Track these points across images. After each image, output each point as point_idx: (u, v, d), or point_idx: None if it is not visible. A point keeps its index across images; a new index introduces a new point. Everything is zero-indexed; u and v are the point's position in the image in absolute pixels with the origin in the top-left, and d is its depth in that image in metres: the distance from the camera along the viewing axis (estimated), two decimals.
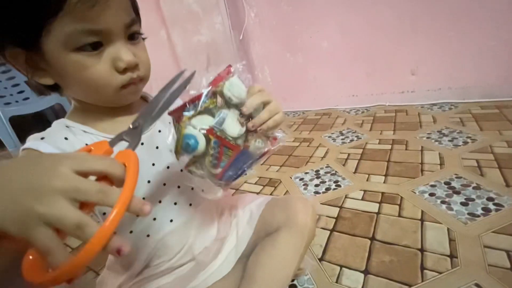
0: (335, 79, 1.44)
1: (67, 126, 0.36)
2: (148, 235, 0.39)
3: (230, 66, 0.35)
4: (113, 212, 0.20)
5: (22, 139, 2.78)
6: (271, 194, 0.82)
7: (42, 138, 0.33)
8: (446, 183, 0.70)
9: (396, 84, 1.31)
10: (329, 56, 1.40)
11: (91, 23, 0.29)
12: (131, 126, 0.28)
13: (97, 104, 0.36)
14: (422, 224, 0.59)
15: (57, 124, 0.37)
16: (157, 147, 0.40)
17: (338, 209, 0.69)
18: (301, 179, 0.86)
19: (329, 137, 1.14)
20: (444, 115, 1.11)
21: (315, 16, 1.35)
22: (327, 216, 0.67)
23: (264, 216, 0.47)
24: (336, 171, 0.86)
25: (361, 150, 0.96)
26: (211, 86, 0.31)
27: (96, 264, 0.70)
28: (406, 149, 0.91)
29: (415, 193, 0.69)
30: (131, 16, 0.33)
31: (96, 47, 0.30)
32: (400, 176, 0.78)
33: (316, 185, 0.81)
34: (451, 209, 0.61)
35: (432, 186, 0.70)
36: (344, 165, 0.89)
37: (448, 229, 0.56)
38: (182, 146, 0.30)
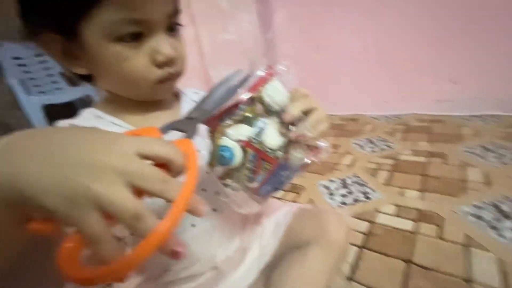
0: (365, 83, 1.37)
1: (97, 117, 0.34)
2: None
3: (270, 67, 0.31)
4: (176, 206, 0.17)
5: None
6: (294, 201, 0.78)
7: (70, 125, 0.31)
8: (494, 205, 0.62)
9: (432, 91, 1.22)
10: (360, 59, 1.33)
11: (135, 12, 0.27)
12: (185, 116, 0.27)
13: (129, 97, 0.34)
14: (466, 250, 0.52)
15: (87, 113, 0.35)
16: None
17: (368, 223, 0.63)
18: (326, 187, 0.81)
19: (357, 144, 1.07)
20: (487, 128, 1.01)
21: (347, 18, 1.29)
22: (355, 231, 0.62)
23: (292, 227, 0.44)
24: (365, 182, 0.81)
25: (393, 161, 0.90)
26: (249, 92, 0.28)
27: None
28: (444, 163, 0.84)
29: (456, 213, 0.62)
30: (173, 5, 0.31)
31: (137, 37, 0.29)
32: (438, 192, 0.71)
33: (343, 195, 0.76)
34: (502, 236, 0.54)
35: (477, 207, 0.63)
36: (374, 175, 0.83)
37: (499, 259, 0.49)
38: (216, 158, 0.27)
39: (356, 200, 0.73)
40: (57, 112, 3.46)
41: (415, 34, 1.16)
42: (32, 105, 2.71)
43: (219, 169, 0.29)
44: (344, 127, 1.29)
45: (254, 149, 0.27)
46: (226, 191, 0.30)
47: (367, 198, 0.73)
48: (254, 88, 0.28)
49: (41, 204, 0.15)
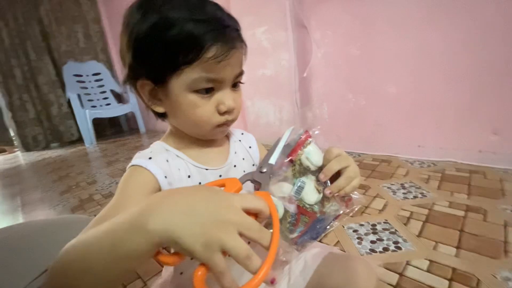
0: (399, 126, 1.37)
1: (166, 150, 0.41)
2: None
3: (307, 131, 0.37)
4: (272, 249, 0.24)
5: (98, 138, 3.20)
6: (320, 241, 0.78)
7: (150, 158, 0.37)
8: None
9: (473, 141, 1.18)
10: (395, 102, 1.34)
11: (213, 73, 0.34)
12: (258, 170, 0.33)
13: (191, 134, 0.41)
14: None
15: (158, 146, 0.42)
16: None
17: (397, 276, 0.62)
18: (355, 231, 0.81)
19: (389, 188, 1.06)
20: None
21: (385, 62, 1.32)
22: (384, 282, 0.61)
23: (320, 271, 0.45)
24: (396, 230, 0.79)
25: (427, 210, 0.87)
26: (290, 155, 0.33)
27: (144, 273, 0.74)
28: (484, 220, 0.79)
29: (496, 278, 0.59)
30: (240, 69, 0.38)
31: (209, 91, 0.36)
32: (476, 252, 0.67)
33: (372, 242, 0.75)
34: None
35: None
36: (405, 224, 0.81)
37: None
38: None
39: (385, 249, 0.71)
40: (104, 125, 3.76)
41: (457, 81, 1.15)
42: (85, 117, 3.02)
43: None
44: (375, 168, 1.28)
45: (295, 206, 0.31)
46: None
47: (398, 248, 0.71)
48: (294, 152, 0.33)
49: (186, 247, 0.22)
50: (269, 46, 1.68)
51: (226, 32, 0.34)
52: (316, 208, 0.33)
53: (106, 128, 3.55)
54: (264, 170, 0.32)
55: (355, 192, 0.37)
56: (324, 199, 0.34)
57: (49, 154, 2.87)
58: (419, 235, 0.76)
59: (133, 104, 3.20)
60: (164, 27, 0.32)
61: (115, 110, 3.22)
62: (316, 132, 0.37)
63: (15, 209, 1.43)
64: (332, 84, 1.56)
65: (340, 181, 0.34)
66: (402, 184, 1.08)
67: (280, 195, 0.31)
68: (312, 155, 0.34)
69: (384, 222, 0.83)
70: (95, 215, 0.31)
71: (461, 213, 0.84)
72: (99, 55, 3.54)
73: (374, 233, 0.79)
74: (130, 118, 3.74)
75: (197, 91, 0.35)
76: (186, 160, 0.40)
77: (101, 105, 3.28)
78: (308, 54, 1.59)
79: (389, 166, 1.28)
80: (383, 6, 1.27)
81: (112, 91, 3.42)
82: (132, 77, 0.37)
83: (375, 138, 1.46)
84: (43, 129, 3.25)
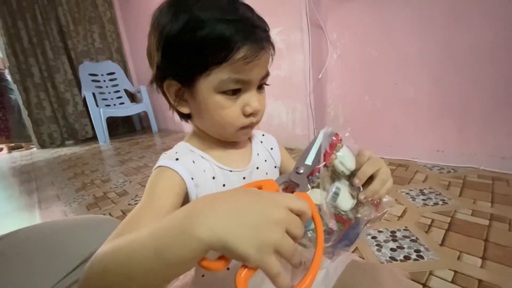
0: (418, 130, 1.33)
1: (191, 151, 0.40)
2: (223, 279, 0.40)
3: (337, 134, 0.35)
4: (318, 249, 0.25)
5: (111, 136, 3.26)
6: None
7: (177, 159, 0.37)
8: None
9: (495, 147, 1.14)
10: (415, 105, 1.31)
11: (242, 74, 0.34)
12: (296, 171, 0.32)
13: (215, 136, 0.41)
14: None
15: (182, 146, 0.41)
16: None
17: (421, 286, 0.60)
18: (374, 238, 0.79)
19: (407, 194, 1.03)
20: None
21: (405, 64, 1.29)
22: None
23: (343, 280, 0.43)
24: (417, 238, 0.76)
25: (449, 218, 0.84)
26: (324, 161, 0.32)
27: None
28: (509, 230, 0.76)
29: None
30: (266, 70, 0.38)
31: (236, 92, 0.35)
32: (502, 263, 0.64)
33: (392, 249, 0.73)
34: None
35: None
36: (427, 232, 0.79)
37: None
38: None
39: (406, 257, 0.69)
40: (117, 123, 3.83)
41: (480, 86, 1.11)
42: (99, 115, 3.08)
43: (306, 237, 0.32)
44: (392, 173, 1.23)
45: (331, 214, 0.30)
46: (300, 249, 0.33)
47: (420, 257, 0.69)
48: (328, 157, 0.32)
49: (239, 252, 0.21)
50: (284, 47, 1.66)
51: (256, 32, 0.34)
52: (351, 214, 0.32)
53: (119, 127, 3.62)
54: (301, 171, 0.31)
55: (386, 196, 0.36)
56: (358, 204, 0.33)
57: (64, 151, 2.94)
58: (442, 244, 0.73)
59: (146, 104, 3.24)
60: (194, 27, 0.32)
61: (128, 109, 3.27)
62: (347, 135, 0.36)
63: (32, 205, 1.46)
64: (348, 86, 1.54)
65: (375, 185, 0.33)
66: (421, 190, 1.04)
67: (315, 203, 0.30)
68: (345, 159, 0.32)
69: (404, 229, 0.81)
70: (110, 214, 0.31)
71: (485, 222, 0.81)
72: (114, 55, 3.61)
73: (394, 240, 0.76)
74: (142, 117, 3.80)
75: (224, 92, 0.35)
76: (210, 161, 0.40)
77: (115, 104, 3.34)
78: (324, 55, 1.57)
79: (407, 171, 1.25)
80: (403, 7, 1.23)
81: (126, 91, 3.48)
82: (159, 77, 0.37)
83: (392, 142, 1.43)
84: (59, 127, 3.34)
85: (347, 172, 0.33)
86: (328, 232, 0.30)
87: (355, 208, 0.33)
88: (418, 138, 1.34)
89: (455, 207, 0.90)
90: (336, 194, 0.31)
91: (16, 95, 3.17)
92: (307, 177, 0.31)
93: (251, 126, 0.39)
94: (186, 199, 0.37)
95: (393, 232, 0.80)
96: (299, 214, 0.25)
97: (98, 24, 3.47)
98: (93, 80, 3.30)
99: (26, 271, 0.35)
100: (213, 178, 0.39)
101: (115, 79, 3.43)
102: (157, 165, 0.37)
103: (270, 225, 0.22)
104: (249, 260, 0.21)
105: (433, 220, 0.84)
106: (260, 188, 0.28)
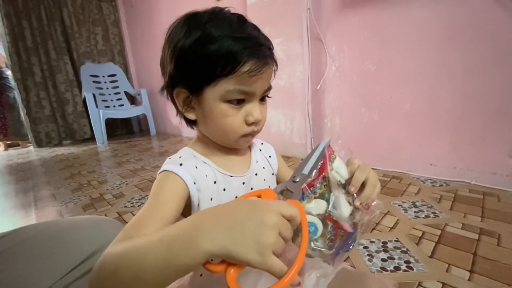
0: (412, 143, 1.36)
1: (194, 156, 0.43)
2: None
3: (330, 147, 0.38)
4: (301, 251, 0.28)
5: (109, 137, 3.27)
6: None
7: (180, 164, 0.39)
8: None
9: (487, 163, 1.17)
10: (410, 119, 1.34)
11: (246, 86, 0.37)
12: (293, 180, 0.35)
13: (218, 142, 0.43)
14: None
15: (186, 152, 0.43)
16: (251, 188, 0.45)
17: None
18: (366, 248, 0.80)
19: (400, 205, 1.05)
20: None
21: (401, 79, 1.33)
22: None
23: (334, 287, 0.45)
24: (407, 249, 0.78)
25: (440, 231, 0.86)
26: (321, 172, 0.34)
27: None
28: (498, 245, 0.78)
29: None
30: (269, 84, 0.41)
31: (240, 102, 0.38)
32: (490, 277, 0.66)
33: (383, 260, 0.74)
34: None
35: None
36: (417, 244, 0.80)
37: None
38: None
39: (396, 268, 0.71)
40: (115, 125, 3.83)
41: (474, 102, 1.15)
42: (98, 116, 3.09)
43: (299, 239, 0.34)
44: (386, 184, 1.27)
45: (333, 221, 0.32)
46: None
47: (410, 268, 0.71)
48: (324, 168, 0.35)
49: (242, 258, 0.24)
50: (284, 57, 1.70)
51: (261, 50, 0.37)
52: (349, 221, 0.34)
53: (117, 129, 3.63)
54: (297, 179, 0.34)
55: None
56: (353, 210, 0.35)
57: (62, 151, 2.94)
58: (431, 256, 0.75)
59: (145, 107, 3.26)
60: (206, 41, 0.35)
61: (128, 111, 3.29)
62: (339, 142, 0.39)
63: (28, 204, 1.46)
64: (345, 98, 1.57)
65: (367, 191, 0.36)
66: (413, 203, 1.07)
67: (318, 212, 0.32)
68: (340, 169, 0.35)
69: (396, 241, 0.83)
70: (106, 215, 0.33)
71: (474, 236, 0.83)
72: (116, 57, 3.65)
73: (385, 251, 0.78)
74: (141, 120, 3.81)
75: (229, 101, 0.37)
76: (212, 167, 0.42)
77: (114, 106, 3.36)
78: (323, 67, 1.61)
79: (400, 183, 1.27)
80: (402, 24, 1.28)
81: (126, 93, 3.50)
82: (170, 85, 0.40)
83: (387, 154, 1.46)
84: (57, 126, 3.34)
85: (343, 181, 0.35)
86: (331, 239, 0.33)
87: (352, 214, 0.35)
88: (412, 151, 1.37)
89: (446, 220, 0.92)
90: (337, 203, 0.33)
91: (16, 93, 3.17)
92: (309, 188, 0.33)
93: (252, 134, 0.41)
94: (188, 202, 0.39)
95: (384, 242, 0.82)
96: (290, 220, 0.28)
97: (102, 26, 3.52)
98: (94, 81, 3.32)
99: (30, 267, 0.36)
100: (215, 182, 0.41)
101: (116, 81, 3.45)
102: (162, 169, 0.39)
103: (266, 229, 0.25)
104: (252, 263, 0.24)
105: (424, 232, 0.86)
106: (259, 196, 0.31)
